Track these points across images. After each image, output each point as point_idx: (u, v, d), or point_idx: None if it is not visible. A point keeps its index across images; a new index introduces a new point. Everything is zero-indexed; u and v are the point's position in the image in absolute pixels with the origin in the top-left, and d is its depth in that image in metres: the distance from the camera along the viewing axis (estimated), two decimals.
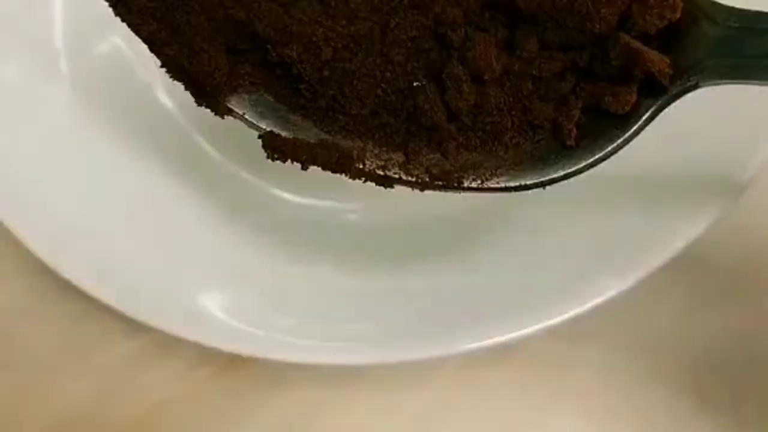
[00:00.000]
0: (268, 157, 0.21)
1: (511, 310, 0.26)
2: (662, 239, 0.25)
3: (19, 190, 0.27)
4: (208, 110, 0.22)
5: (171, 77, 0.22)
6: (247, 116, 0.22)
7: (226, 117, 0.22)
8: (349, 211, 0.30)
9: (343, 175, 0.21)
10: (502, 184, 0.21)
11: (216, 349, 0.26)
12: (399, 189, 0.27)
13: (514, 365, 0.29)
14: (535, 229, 0.28)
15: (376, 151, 0.21)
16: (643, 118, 0.20)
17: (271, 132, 0.22)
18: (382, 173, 0.21)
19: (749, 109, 0.25)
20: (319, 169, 0.22)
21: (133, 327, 0.26)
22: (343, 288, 0.28)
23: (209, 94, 0.22)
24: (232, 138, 0.28)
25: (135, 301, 0.26)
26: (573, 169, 0.21)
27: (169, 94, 0.30)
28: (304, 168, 0.21)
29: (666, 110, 0.21)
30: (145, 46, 0.23)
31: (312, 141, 0.21)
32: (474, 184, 0.21)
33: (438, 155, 0.21)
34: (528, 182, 0.21)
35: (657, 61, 0.19)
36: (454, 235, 0.29)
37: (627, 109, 0.20)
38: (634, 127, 0.20)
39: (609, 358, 0.29)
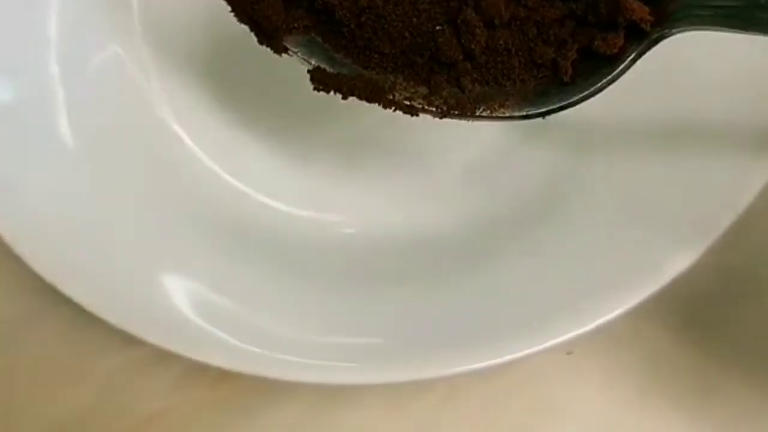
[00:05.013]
0: (314, 89, 0.26)
1: (512, 330, 0.26)
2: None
3: (17, 206, 0.27)
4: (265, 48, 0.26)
5: (238, 20, 0.26)
6: (299, 54, 0.26)
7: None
8: (346, 225, 0.30)
9: (376, 104, 0.26)
10: (508, 114, 0.25)
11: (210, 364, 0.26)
12: (398, 206, 0.30)
13: (510, 379, 0.29)
14: (538, 247, 0.28)
15: (404, 85, 0.26)
16: (628, 59, 0.24)
17: (318, 67, 0.26)
18: (408, 103, 0.26)
19: None
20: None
21: (127, 338, 0.26)
22: (340, 305, 0.28)
23: (269, 35, 0.26)
24: (229, 149, 0.31)
25: (128, 315, 0.26)
26: (568, 101, 0.25)
27: (166, 105, 0.31)
28: (344, 98, 0.26)
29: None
30: (143, 54, 0.29)
31: (351, 75, 0.26)
32: (485, 114, 0.25)
33: (456, 89, 0.25)
34: (530, 112, 0.25)
35: (638, 9, 0.23)
36: (453, 253, 0.29)
37: (614, 51, 0.24)
38: (621, 67, 0.24)
39: (608, 370, 0.29)
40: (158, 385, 0.29)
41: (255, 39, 0.26)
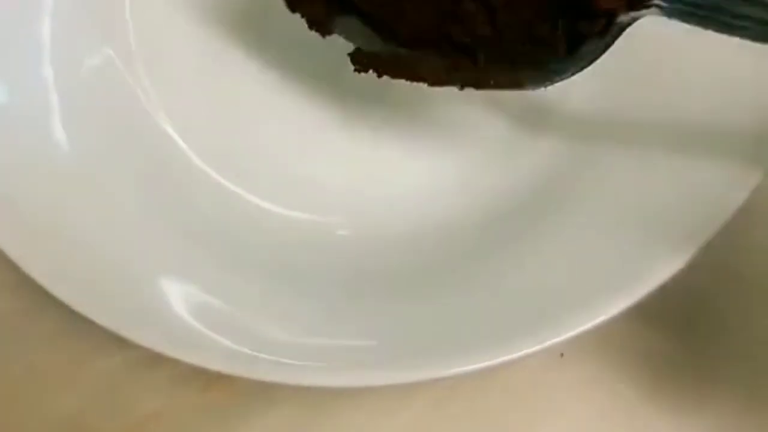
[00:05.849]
0: (355, 70, 0.30)
1: (507, 332, 0.26)
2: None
3: (10, 208, 0.27)
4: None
5: (291, 11, 0.31)
6: (342, 36, 0.31)
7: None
8: (339, 227, 0.30)
9: (404, 79, 0.30)
10: (514, 85, 0.29)
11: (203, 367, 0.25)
12: (390, 207, 0.31)
13: (502, 381, 0.29)
14: (530, 251, 0.29)
15: (427, 62, 0.30)
16: (609, 36, 0.27)
17: (358, 49, 0.31)
18: (432, 78, 0.30)
19: None
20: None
21: (121, 341, 0.25)
22: (334, 307, 0.28)
23: (317, 23, 0.31)
24: (221, 150, 0.31)
25: (121, 318, 0.26)
26: (565, 75, 0.28)
27: (159, 108, 0.31)
28: (379, 76, 0.30)
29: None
30: (137, 57, 0.31)
31: (384, 55, 0.30)
32: (495, 86, 0.29)
33: (470, 64, 0.29)
34: (531, 84, 0.29)
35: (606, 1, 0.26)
36: (445, 256, 0.29)
37: (596, 31, 0.27)
38: (604, 41, 0.27)
39: (600, 372, 0.29)
40: (151, 388, 0.29)
41: (253, 37, 0.31)
